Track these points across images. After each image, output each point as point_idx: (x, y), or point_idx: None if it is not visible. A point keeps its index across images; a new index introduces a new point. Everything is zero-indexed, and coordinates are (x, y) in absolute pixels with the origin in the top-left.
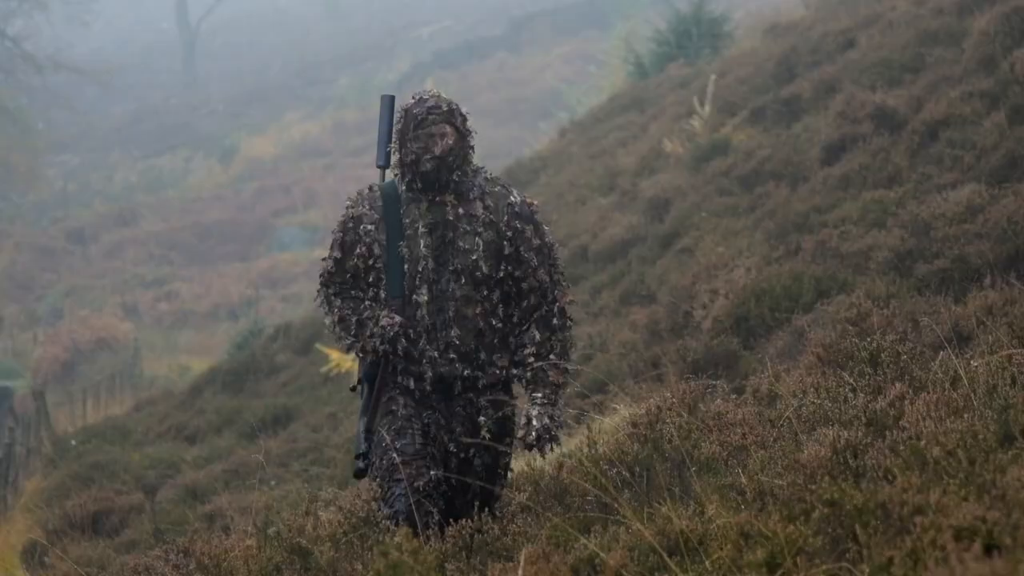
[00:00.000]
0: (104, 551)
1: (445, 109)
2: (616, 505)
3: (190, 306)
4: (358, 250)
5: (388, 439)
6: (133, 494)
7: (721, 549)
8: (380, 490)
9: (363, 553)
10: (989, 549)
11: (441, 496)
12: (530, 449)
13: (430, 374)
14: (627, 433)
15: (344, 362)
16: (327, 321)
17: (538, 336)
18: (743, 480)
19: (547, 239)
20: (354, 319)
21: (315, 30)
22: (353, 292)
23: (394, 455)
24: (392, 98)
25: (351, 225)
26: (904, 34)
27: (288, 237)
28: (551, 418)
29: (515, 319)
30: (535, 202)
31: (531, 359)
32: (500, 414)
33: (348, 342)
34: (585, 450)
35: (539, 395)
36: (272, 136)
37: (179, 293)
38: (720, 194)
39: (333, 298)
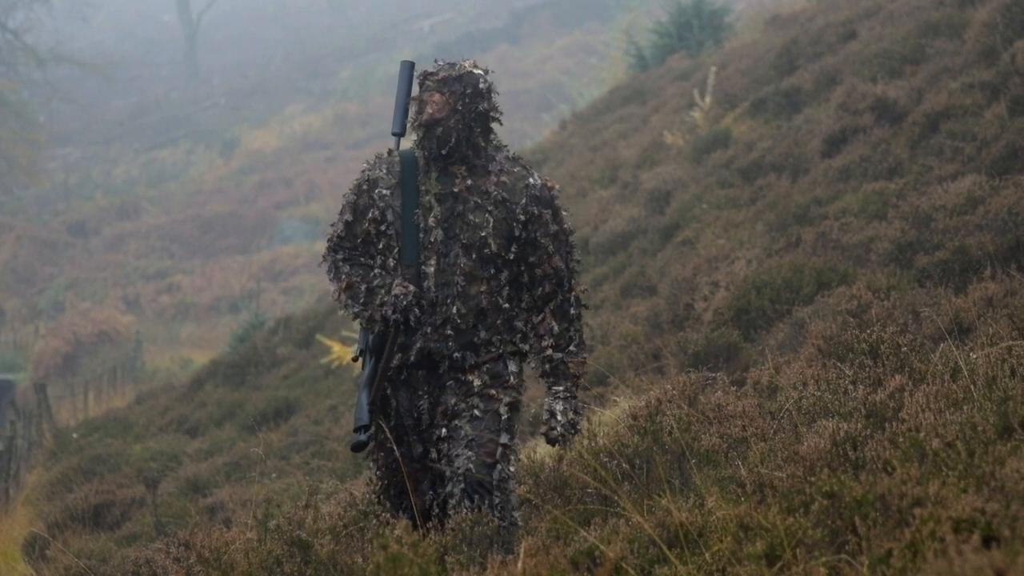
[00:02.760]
0: (105, 544)
1: (440, 77)
2: (616, 497)
3: (191, 299)
4: (370, 214)
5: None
6: (134, 487)
7: (721, 541)
8: (380, 484)
9: (363, 546)
10: (988, 541)
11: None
12: (554, 444)
13: (418, 346)
14: (627, 425)
15: (345, 355)
16: (333, 288)
17: (556, 327)
18: (743, 472)
19: (565, 225)
20: (363, 287)
21: (316, 23)
22: (363, 259)
23: (383, 464)
24: (411, 64)
25: (366, 188)
26: (905, 25)
27: (290, 230)
28: (576, 411)
29: (524, 305)
30: (556, 185)
31: (550, 351)
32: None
33: (355, 310)
34: (585, 442)
35: (560, 388)
36: (274, 129)
37: (180, 286)
38: (721, 186)
39: (341, 264)
